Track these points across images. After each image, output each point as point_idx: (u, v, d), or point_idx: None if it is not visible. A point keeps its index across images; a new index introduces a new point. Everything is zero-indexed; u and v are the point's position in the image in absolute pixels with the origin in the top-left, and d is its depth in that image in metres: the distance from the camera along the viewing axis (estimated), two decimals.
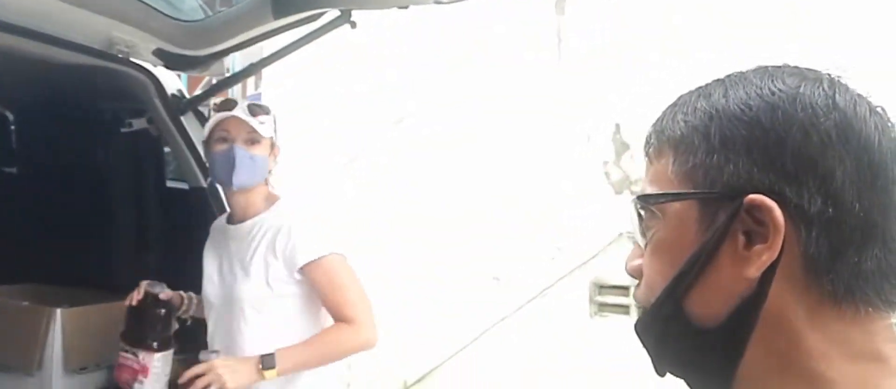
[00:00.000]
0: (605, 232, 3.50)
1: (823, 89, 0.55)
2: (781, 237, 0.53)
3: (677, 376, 0.61)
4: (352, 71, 4.45)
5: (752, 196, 0.53)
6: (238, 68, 3.39)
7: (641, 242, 0.62)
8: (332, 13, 2.20)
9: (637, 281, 0.63)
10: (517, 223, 3.84)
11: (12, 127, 3.08)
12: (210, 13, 2.40)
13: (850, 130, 0.53)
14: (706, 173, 0.56)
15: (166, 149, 2.70)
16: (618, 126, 3.52)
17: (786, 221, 0.52)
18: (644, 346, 0.62)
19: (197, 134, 2.44)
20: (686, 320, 0.57)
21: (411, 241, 4.10)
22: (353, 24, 2.20)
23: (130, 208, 2.62)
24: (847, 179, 0.53)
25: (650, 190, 0.60)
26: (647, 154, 0.63)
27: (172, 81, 2.48)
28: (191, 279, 2.37)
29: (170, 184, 2.62)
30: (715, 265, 0.56)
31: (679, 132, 0.58)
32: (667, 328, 0.59)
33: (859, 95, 0.56)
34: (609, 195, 3.56)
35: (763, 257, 0.53)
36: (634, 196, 0.62)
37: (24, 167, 2.97)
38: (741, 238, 0.54)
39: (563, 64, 3.82)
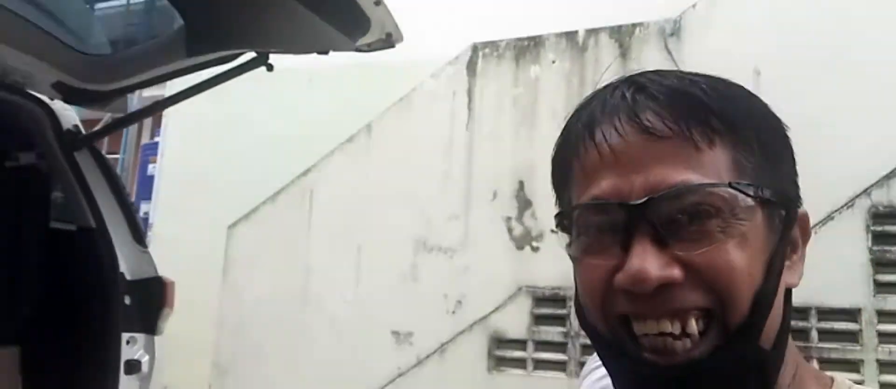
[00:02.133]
0: (505, 286, 3.57)
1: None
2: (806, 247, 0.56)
3: None
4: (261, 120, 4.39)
5: (802, 209, 0.56)
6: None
7: (686, 238, 0.51)
8: (249, 54, 2.18)
9: (650, 290, 0.51)
10: (417, 277, 3.84)
11: None
12: (115, 49, 2.30)
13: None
14: (766, 178, 0.53)
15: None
16: (521, 183, 3.65)
17: None
18: (706, 379, 0.51)
19: (91, 172, 2.30)
20: (760, 340, 0.52)
21: None
22: (270, 67, 2.19)
23: (6, 250, 2.39)
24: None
25: (730, 178, 0.52)
26: (673, 129, 0.52)
27: (69, 116, 2.32)
28: (79, 334, 2.20)
29: (54, 225, 2.42)
30: (779, 272, 0.54)
31: (738, 120, 0.53)
32: (747, 349, 0.51)
33: None
34: (510, 250, 3.65)
35: (800, 266, 0.55)
36: (725, 182, 0.51)
37: None
38: (788, 247, 0.55)
39: (472, 123, 3.95)
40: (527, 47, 3.84)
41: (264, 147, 4.51)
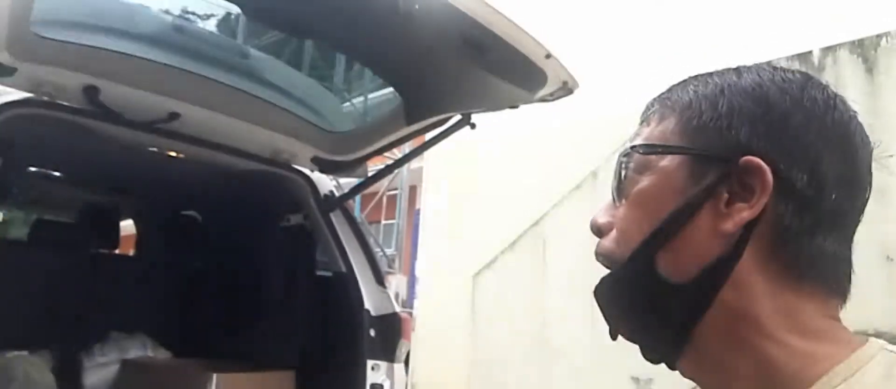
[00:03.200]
0: None
1: (828, 93, 0.61)
2: (766, 200, 0.56)
3: (631, 338, 0.63)
4: None
5: (747, 157, 0.56)
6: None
7: (617, 197, 0.63)
8: (455, 117, 2.51)
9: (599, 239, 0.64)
10: None
11: (201, 227, 3.67)
12: (356, 125, 2.81)
13: (843, 130, 0.59)
14: (706, 135, 0.59)
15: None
16: None
17: (772, 189, 0.56)
18: (604, 305, 0.63)
19: (342, 228, 2.80)
20: (656, 274, 0.59)
21: None
22: (473, 126, 2.49)
23: (284, 293, 3.01)
24: (831, 170, 0.57)
25: (652, 142, 0.62)
26: (645, 118, 0.65)
27: (325, 183, 2.88)
28: (336, 362, 2.66)
29: (319, 272, 2.97)
30: (695, 220, 0.58)
31: (687, 98, 0.62)
32: (636, 281, 0.60)
33: (854, 111, 0.62)
34: None
35: (744, 213, 0.56)
36: (627, 146, 0.63)
37: (207, 260, 3.51)
38: (725, 196, 0.57)
39: None
40: None
41: (504, 201, 4.87)
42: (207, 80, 2.40)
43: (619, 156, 0.63)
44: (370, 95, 4.45)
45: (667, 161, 0.60)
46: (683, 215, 0.58)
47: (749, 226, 0.56)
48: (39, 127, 2.34)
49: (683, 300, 0.58)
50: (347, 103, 3.02)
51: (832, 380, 0.54)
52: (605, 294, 0.63)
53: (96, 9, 2.32)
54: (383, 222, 9.57)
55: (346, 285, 2.70)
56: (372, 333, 2.67)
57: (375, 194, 9.20)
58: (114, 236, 3.66)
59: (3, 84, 2.14)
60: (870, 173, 0.60)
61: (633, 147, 0.63)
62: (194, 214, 3.70)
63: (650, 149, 0.62)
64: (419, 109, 2.51)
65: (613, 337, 0.64)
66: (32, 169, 3.31)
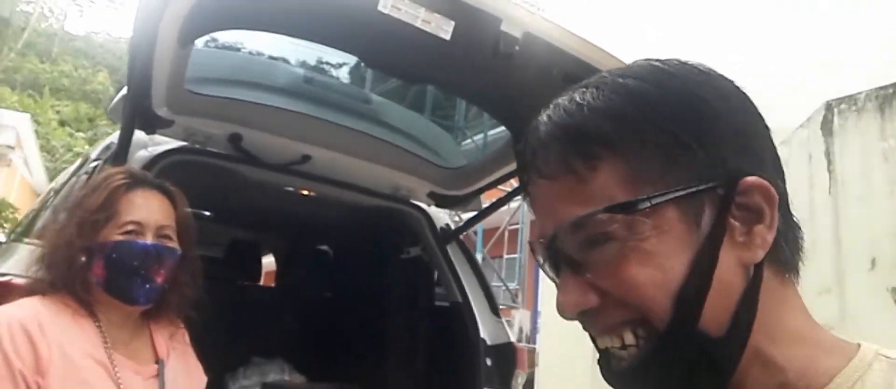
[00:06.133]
0: None
1: (728, 80, 0.57)
2: (776, 213, 0.53)
3: None
4: None
5: (747, 179, 0.52)
6: None
7: (595, 267, 0.54)
8: None
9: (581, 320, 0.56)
10: None
11: (331, 260, 3.95)
12: (469, 161, 2.95)
13: (761, 119, 0.57)
14: (684, 171, 0.52)
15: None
16: None
17: None
18: (652, 385, 0.54)
19: (458, 259, 2.93)
20: (700, 334, 0.52)
21: None
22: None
23: (405, 322, 3.16)
24: (769, 151, 0.56)
25: (623, 197, 0.52)
26: (559, 171, 0.55)
27: (441, 217, 3.03)
28: (449, 386, 2.75)
29: (437, 303, 3.11)
30: (720, 262, 0.52)
31: (620, 133, 0.53)
32: (682, 350, 0.52)
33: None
34: None
35: (767, 236, 0.52)
36: (599, 209, 0.53)
37: (336, 290, 3.76)
38: (736, 225, 0.53)
39: (835, 186, 3.64)
40: (891, 95, 3.42)
41: None
42: (334, 125, 2.64)
43: (569, 226, 0.53)
44: (488, 133, 4.59)
45: (655, 213, 0.52)
46: (708, 263, 0.51)
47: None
48: (192, 171, 2.67)
49: (726, 351, 0.52)
50: (465, 140, 3.16)
51: None
52: (636, 377, 0.54)
53: (237, 65, 2.64)
54: (506, 256, 9.65)
55: (462, 314, 2.81)
56: (488, 362, 2.74)
57: (497, 228, 9.32)
58: (257, 269, 4.01)
59: (163, 135, 2.48)
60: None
61: (606, 208, 0.52)
62: (326, 248, 3.99)
63: (631, 206, 0.52)
64: None
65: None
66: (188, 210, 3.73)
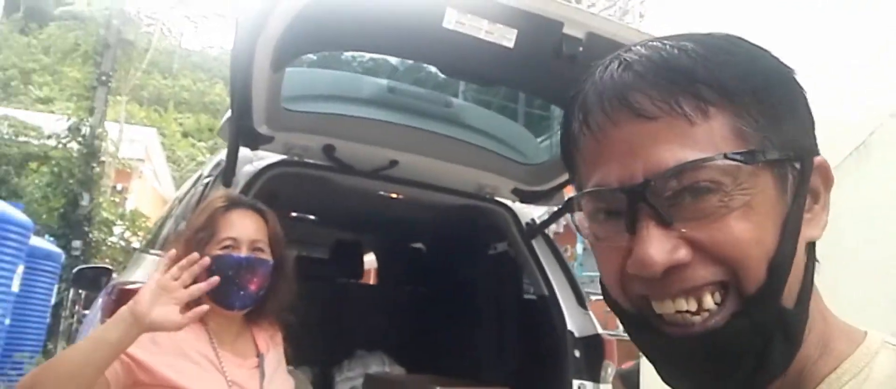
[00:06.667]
0: None
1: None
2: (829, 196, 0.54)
3: (747, 384, 0.53)
4: None
5: (818, 159, 0.54)
6: None
7: (692, 218, 0.51)
8: None
9: (659, 274, 0.51)
10: None
11: (425, 257, 4.13)
12: (550, 156, 3.01)
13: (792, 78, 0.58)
14: (779, 136, 0.52)
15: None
16: None
17: None
18: (731, 357, 0.52)
19: (544, 253, 3.00)
20: (781, 303, 0.51)
21: None
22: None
23: (495, 315, 3.27)
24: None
25: (730, 148, 0.51)
26: (662, 109, 0.52)
27: (526, 212, 3.11)
28: (544, 381, 2.84)
29: (525, 296, 3.19)
30: (801, 233, 0.52)
31: (733, 87, 0.52)
32: (769, 315, 0.51)
33: None
34: None
35: (822, 216, 0.54)
36: (721, 154, 0.50)
37: (431, 286, 3.93)
38: (809, 201, 0.54)
39: None
40: None
41: None
42: (418, 130, 2.78)
43: (673, 171, 0.51)
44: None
45: (759, 171, 0.51)
46: (794, 228, 0.51)
47: None
48: (294, 181, 2.90)
49: (797, 323, 0.52)
50: (545, 138, 3.23)
51: (840, 378, 0.52)
52: (734, 338, 0.51)
53: (327, 82, 2.84)
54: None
55: (549, 307, 2.88)
56: (576, 353, 2.80)
57: None
58: (359, 267, 4.26)
59: (265, 150, 2.72)
60: None
61: (725, 155, 0.50)
62: (420, 245, 4.17)
63: (747, 157, 0.51)
64: None
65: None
66: (293, 214, 4.02)
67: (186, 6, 18.98)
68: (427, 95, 2.90)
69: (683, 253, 0.51)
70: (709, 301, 0.51)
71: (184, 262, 1.39)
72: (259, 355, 1.65)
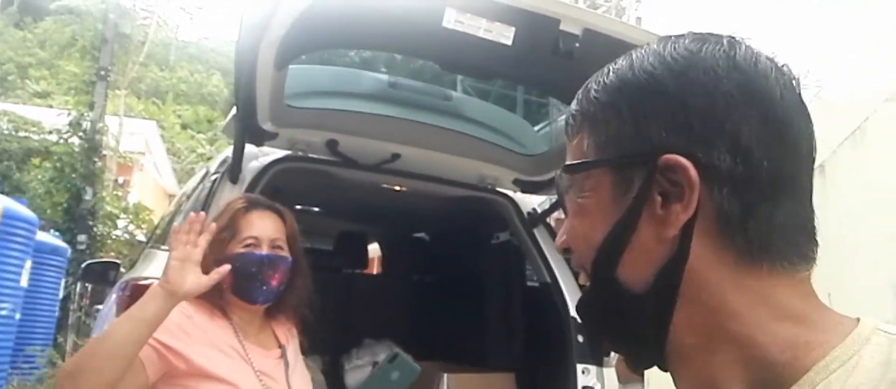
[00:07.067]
0: None
1: (723, 50, 0.56)
2: (696, 194, 0.54)
3: (617, 350, 0.65)
4: None
5: (666, 156, 0.54)
6: None
7: (566, 216, 0.64)
8: None
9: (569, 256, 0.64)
10: None
11: (429, 247, 4.19)
12: (549, 146, 3.06)
13: (752, 87, 0.55)
14: (618, 143, 0.58)
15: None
16: None
17: (700, 180, 0.53)
18: (584, 322, 0.66)
19: (545, 241, 3.06)
20: (618, 286, 0.58)
21: None
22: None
23: (500, 302, 3.34)
24: (754, 135, 0.54)
25: (578, 159, 0.61)
26: (566, 134, 0.64)
27: (527, 202, 3.17)
28: (549, 365, 2.90)
29: (528, 283, 3.26)
30: (637, 228, 0.57)
31: (592, 109, 0.60)
32: (602, 295, 0.60)
33: (760, 53, 0.57)
34: None
35: (680, 215, 0.54)
36: (559, 169, 0.64)
37: (435, 275, 4.00)
38: (658, 199, 0.55)
39: None
40: None
41: None
42: (419, 123, 2.83)
43: (556, 175, 0.64)
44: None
45: (593, 177, 0.60)
46: (625, 227, 0.57)
47: (688, 224, 0.54)
48: (298, 175, 2.96)
49: (648, 309, 0.57)
50: (555, 127, 3.28)
51: (829, 366, 0.51)
52: (582, 311, 0.64)
53: (328, 78, 2.89)
54: None
55: (552, 294, 2.94)
56: (579, 339, 2.87)
57: None
58: (363, 258, 4.32)
59: (270, 146, 2.77)
60: (801, 113, 0.57)
61: (562, 169, 0.63)
62: (423, 235, 4.23)
63: (573, 168, 0.61)
64: None
65: (607, 354, 0.72)
66: (298, 207, 4.08)
67: None
68: (427, 89, 2.95)
69: (562, 240, 0.64)
70: (583, 279, 0.63)
71: (186, 227, 1.48)
72: (281, 346, 1.73)
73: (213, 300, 1.61)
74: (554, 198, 3.25)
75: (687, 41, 0.58)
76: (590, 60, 2.08)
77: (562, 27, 1.91)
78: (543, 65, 2.08)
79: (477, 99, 3.27)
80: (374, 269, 5.25)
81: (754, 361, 0.53)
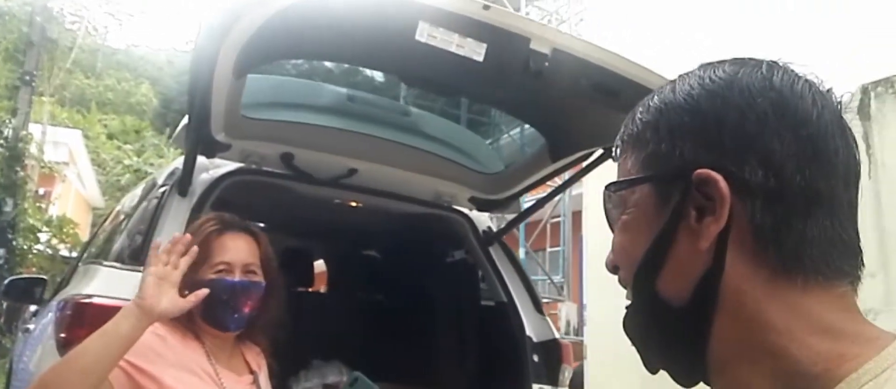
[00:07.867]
0: None
1: (761, 73, 0.59)
2: (727, 208, 0.56)
3: (662, 367, 0.64)
4: None
5: (699, 171, 0.57)
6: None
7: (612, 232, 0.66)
8: (598, 151, 2.67)
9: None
10: None
11: (380, 264, 4.12)
12: (506, 166, 3.07)
13: (786, 107, 0.57)
14: (657, 160, 0.61)
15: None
16: None
17: (732, 194, 0.56)
18: (630, 338, 0.65)
19: (501, 260, 3.05)
20: (659, 300, 0.60)
21: None
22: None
23: (454, 322, 3.31)
24: (787, 152, 0.56)
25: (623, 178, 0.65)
26: (613, 156, 0.69)
27: (482, 220, 3.16)
28: (504, 385, 2.88)
29: (483, 302, 3.24)
30: (675, 242, 0.59)
31: (635, 130, 0.64)
32: (645, 311, 0.62)
33: (798, 75, 0.60)
34: None
35: (711, 227, 0.56)
36: (605, 187, 0.66)
37: (387, 294, 3.93)
38: (693, 213, 0.58)
39: (875, 170, 3.64)
40: None
41: None
42: (377, 138, 2.79)
43: (603, 193, 0.67)
44: (525, 128, 4.68)
45: (636, 194, 0.63)
46: (663, 241, 0.60)
47: (722, 237, 0.56)
48: (250, 189, 2.86)
49: (688, 322, 0.59)
50: (502, 135, 3.29)
51: (860, 379, 0.51)
52: (628, 327, 0.65)
53: (286, 90, 2.81)
54: (549, 249, 9.72)
55: (507, 313, 2.93)
56: (535, 358, 2.86)
57: (539, 222, 9.40)
58: (310, 275, 4.21)
59: (222, 158, 2.67)
60: (841, 133, 0.59)
61: (606, 187, 0.66)
62: (374, 253, 4.16)
63: (617, 186, 0.65)
64: (562, 148, 2.71)
65: (651, 371, 0.65)
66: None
67: (110, 3, 18.15)
68: (386, 103, 2.92)
69: (610, 258, 0.67)
70: (629, 295, 0.65)
71: (169, 247, 1.44)
72: (252, 372, 1.67)
73: (184, 323, 1.55)
74: (510, 217, 3.26)
75: (726, 66, 0.61)
76: (557, 79, 2.11)
77: (532, 46, 1.91)
78: (513, 84, 2.08)
79: (436, 116, 3.24)
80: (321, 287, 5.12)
81: (787, 373, 0.54)
